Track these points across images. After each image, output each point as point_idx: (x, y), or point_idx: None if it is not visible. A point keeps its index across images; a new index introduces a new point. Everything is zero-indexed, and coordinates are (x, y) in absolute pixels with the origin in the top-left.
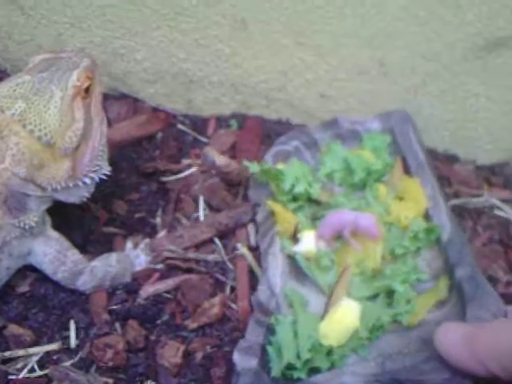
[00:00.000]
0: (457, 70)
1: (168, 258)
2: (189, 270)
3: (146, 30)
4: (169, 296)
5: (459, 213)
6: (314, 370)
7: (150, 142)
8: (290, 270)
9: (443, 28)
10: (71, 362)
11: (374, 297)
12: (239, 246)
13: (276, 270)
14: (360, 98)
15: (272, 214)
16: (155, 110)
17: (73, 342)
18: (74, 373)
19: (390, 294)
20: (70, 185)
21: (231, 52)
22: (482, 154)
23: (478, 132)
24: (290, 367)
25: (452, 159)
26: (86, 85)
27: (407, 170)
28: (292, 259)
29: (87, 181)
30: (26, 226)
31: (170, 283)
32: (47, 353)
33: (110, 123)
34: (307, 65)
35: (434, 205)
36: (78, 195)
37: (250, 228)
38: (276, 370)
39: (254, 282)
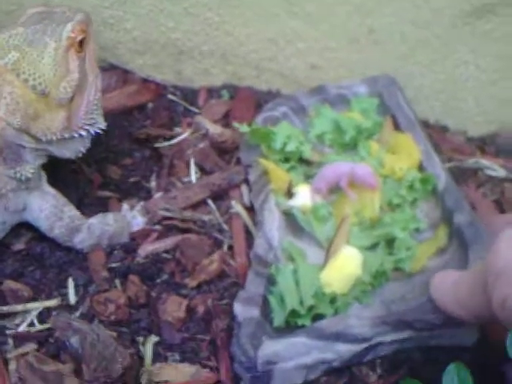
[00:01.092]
0: (446, 38)
1: (165, 219)
2: (186, 230)
3: None
4: (167, 256)
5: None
6: (318, 318)
7: (141, 112)
8: (286, 225)
9: None
10: (72, 317)
11: (374, 246)
12: (234, 204)
13: (273, 224)
14: (350, 68)
15: (265, 173)
16: (145, 80)
17: (72, 298)
18: (77, 322)
19: (390, 242)
20: (66, 136)
21: (221, 20)
22: (472, 125)
23: (468, 103)
24: (293, 315)
25: (443, 130)
26: (80, 37)
27: (398, 128)
28: (288, 215)
29: (83, 133)
30: (23, 178)
31: (168, 243)
32: (46, 309)
33: None
34: (298, 33)
35: (427, 157)
36: (73, 149)
37: (244, 188)
38: (279, 319)
39: (250, 239)
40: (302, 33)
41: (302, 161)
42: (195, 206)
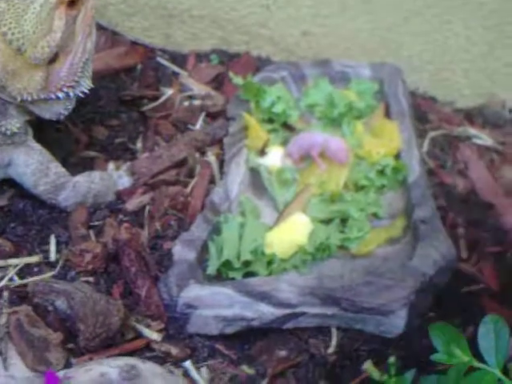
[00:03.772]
0: (438, 9)
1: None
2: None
3: None
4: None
5: (440, 144)
6: (250, 275)
7: (129, 75)
8: (249, 182)
9: None
10: (52, 273)
11: (329, 221)
12: (208, 154)
13: (236, 178)
14: (341, 36)
15: (245, 128)
16: (134, 43)
17: (53, 255)
18: (58, 284)
19: (345, 221)
20: (42, 97)
21: None
22: (460, 97)
23: (457, 75)
24: (227, 266)
25: (431, 100)
26: None
27: (389, 117)
28: (254, 173)
29: (60, 95)
30: (8, 132)
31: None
32: (27, 265)
33: None
34: (290, 0)
35: (407, 149)
36: (53, 111)
37: (225, 141)
38: (212, 267)
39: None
40: None
41: (287, 126)
42: (181, 163)
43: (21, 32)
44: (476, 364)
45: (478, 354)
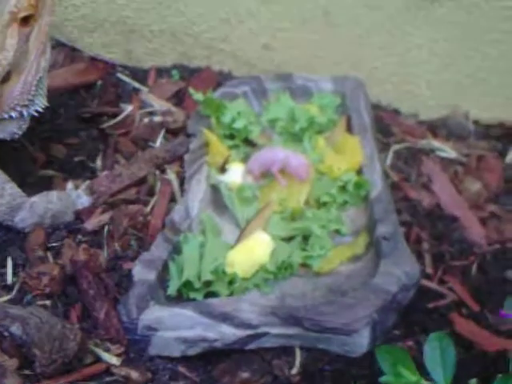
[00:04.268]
0: (400, 21)
1: (109, 197)
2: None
3: None
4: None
5: (404, 157)
6: (212, 296)
7: (89, 91)
8: (210, 199)
9: None
10: (9, 297)
11: (290, 239)
12: (168, 171)
13: (196, 195)
14: (303, 49)
15: (206, 144)
16: (93, 59)
17: (9, 278)
18: (13, 309)
19: (307, 239)
20: None
21: None
22: (424, 109)
23: (420, 87)
24: (188, 286)
25: (395, 113)
26: (25, 13)
27: (350, 131)
28: (215, 190)
29: (13, 114)
30: None
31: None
32: None
33: None
34: (251, 13)
35: (369, 163)
36: (6, 131)
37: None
38: (173, 288)
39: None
40: (254, 13)
41: (248, 142)
42: (141, 181)
43: None
44: (424, 383)
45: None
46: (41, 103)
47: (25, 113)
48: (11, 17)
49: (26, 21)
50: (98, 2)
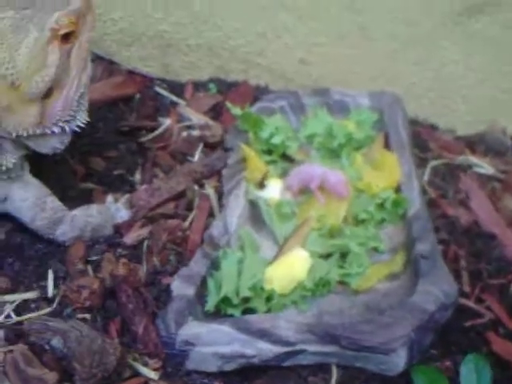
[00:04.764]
0: (436, 36)
1: (148, 211)
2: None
3: None
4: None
5: (441, 173)
6: (249, 312)
7: (127, 104)
8: (249, 215)
9: None
10: (49, 309)
11: (328, 256)
12: (206, 186)
13: (235, 211)
14: (339, 64)
15: (243, 159)
16: (131, 72)
17: (50, 291)
18: (54, 322)
19: (344, 256)
20: (37, 132)
21: (209, 13)
22: (461, 124)
23: (457, 102)
24: (226, 302)
25: (432, 128)
26: (65, 30)
27: (388, 147)
28: (254, 206)
29: (55, 130)
30: (3, 168)
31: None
32: (24, 301)
33: None
34: (287, 28)
35: (407, 181)
36: (49, 146)
37: (224, 172)
38: (211, 304)
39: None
40: (291, 27)
41: (286, 157)
42: (179, 196)
43: (14, 67)
44: None
45: None
46: (82, 118)
47: (67, 128)
48: (52, 34)
49: (66, 38)
50: (135, 16)
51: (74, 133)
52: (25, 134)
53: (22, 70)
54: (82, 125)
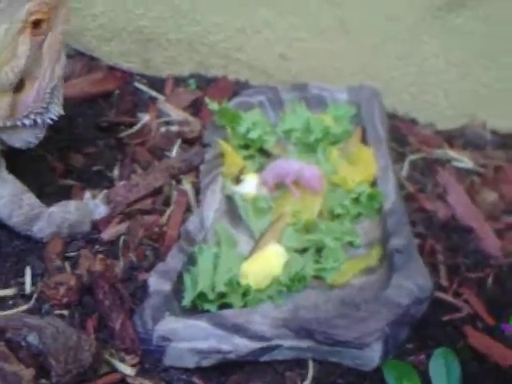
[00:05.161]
0: (416, 31)
1: (126, 207)
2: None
3: None
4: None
5: (420, 167)
6: (226, 307)
7: (106, 100)
8: (225, 210)
9: None
10: (27, 306)
11: (304, 251)
12: (184, 181)
13: (211, 206)
14: (319, 59)
15: (221, 154)
16: (111, 68)
17: (28, 288)
18: (30, 318)
19: (320, 251)
20: (8, 124)
21: (189, 8)
22: (441, 119)
23: (438, 96)
24: (202, 298)
25: (412, 122)
26: (33, 18)
27: (365, 142)
28: (230, 201)
29: (26, 122)
30: None
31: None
32: (2, 298)
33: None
34: (267, 23)
35: (383, 175)
36: (22, 139)
37: (201, 168)
38: (187, 299)
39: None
40: (271, 22)
41: (263, 152)
42: (157, 191)
43: None
44: None
45: None
46: (56, 111)
47: (39, 121)
48: (22, 24)
49: (37, 28)
50: (115, 11)
51: (52, 128)
52: None
53: None
54: (55, 117)
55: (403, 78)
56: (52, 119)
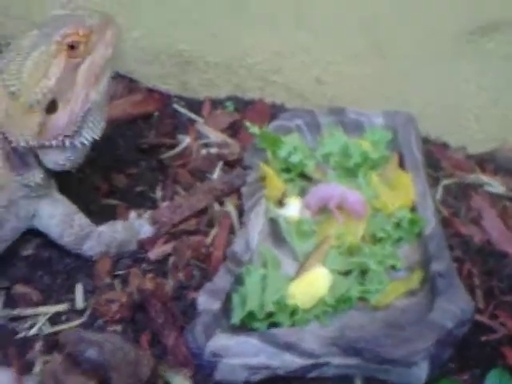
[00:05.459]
0: (449, 55)
1: (171, 227)
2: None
3: (143, 7)
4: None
5: (453, 192)
6: (273, 326)
7: (146, 122)
8: (269, 232)
9: (437, 11)
10: (80, 321)
11: (347, 273)
12: (226, 203)
13: (256, 228)
14: (354, 83)
15: (262, 178)
16: (150, 90)
17: (80, 303)
18: (87, 334)
19: (364, 273)
20: (35, 143)
21: (227, 32)
22: (472, 143)
23: (469, 120)
24: (251, 317)
25: (444, 146)
26: (68, 40)
27: (402, 167)
28: (273, 224)
29: (53, 143)
30: (32, 184)
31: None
32: (56, 313)
33: None
34: (303, 46)
35: (422, 201)
36: (52, 160)
37: (243, 190)
38: (236, 318)
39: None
40: (307, 46)
41: (303, 176)
42: (201, 212)
43: (19, 78)
44: None
45: None
46: (88, 136)
47: (67, 143)
48: (57, 47)
49: (74, 50)
50: (155, 34)
51: (95, 149)
52: (24, 144)
53: (23, 81)
54: (86, 142)
55: (435, 102)
56: (82, 143)
